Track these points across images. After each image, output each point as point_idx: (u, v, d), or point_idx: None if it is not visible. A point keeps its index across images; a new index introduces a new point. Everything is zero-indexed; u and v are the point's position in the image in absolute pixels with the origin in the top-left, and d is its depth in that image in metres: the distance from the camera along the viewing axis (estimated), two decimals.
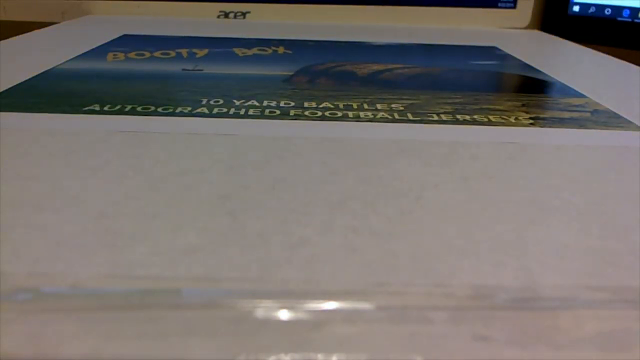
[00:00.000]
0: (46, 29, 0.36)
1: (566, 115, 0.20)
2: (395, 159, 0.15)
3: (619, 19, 0.42)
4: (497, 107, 0.21)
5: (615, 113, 0.20)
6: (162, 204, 0.12)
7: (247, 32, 0.38)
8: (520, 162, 0.15)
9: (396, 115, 0.19)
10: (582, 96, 0.23)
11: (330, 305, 0.09)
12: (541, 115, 0.20)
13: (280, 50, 0.32)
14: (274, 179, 0.14)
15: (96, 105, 0.20)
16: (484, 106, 0.21)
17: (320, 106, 0.20)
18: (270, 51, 0.31)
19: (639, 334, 0.09)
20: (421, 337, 0.09)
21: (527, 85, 0.25)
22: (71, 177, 0.14)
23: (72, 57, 0.28)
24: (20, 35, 0.33)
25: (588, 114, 0.20)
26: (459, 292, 0.10)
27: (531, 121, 0.19)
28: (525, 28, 0.45)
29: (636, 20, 0.41)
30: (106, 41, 0.33)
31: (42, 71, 0.24)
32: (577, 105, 0.21)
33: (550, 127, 0.19)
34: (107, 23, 0.40)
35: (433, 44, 0.35)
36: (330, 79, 0.25)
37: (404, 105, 0.21)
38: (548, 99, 0.23)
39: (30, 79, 0.23)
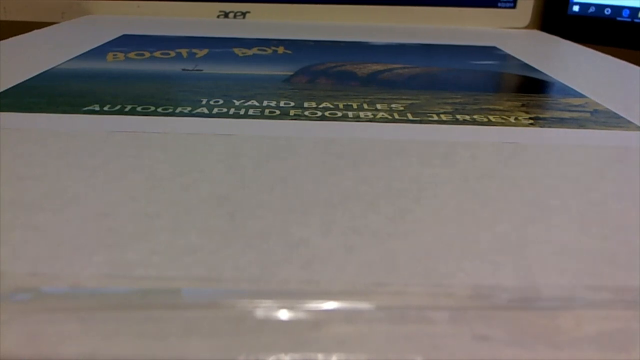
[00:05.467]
0: (46, 29, 0.36)
1: (566, 115, 0.20)
2: (395, 159, 0.15)
3: (619, 19, 0.42)
4: (497, 107, 0.21)
5: (615, 113, 0.20)
6: (162, 204, 0.12)
7: (247, 32, 0.38)
8: (520, 162, 0.15)
9: (396, 115, 0.19)
10: (582, 96, 0.23)
11: (330, 305, 0.09)
12: (541, 115, 0.20)
13: (280, 50, 0.32)
14: (274, 179, 0.14)
15: (96, 105, 0.20)
16: (484, 106, 0.21)
17: (320, 106, 0.20)
18: (270, 51, 0.31)
19: (639, 334, 0.09)
20: (421, 337, 0.09)
21: (527, 85, 0.25)
22: (71, 177, 0.14)
23: (72, 57, 0.28)
24: (20, 35, 0.33)
25: (588, 114, 0.20)
26: (459, 292, 0.10)
27: (531, 121, 0.19)
28: (525, 28, 0.45)
29: (636, 20, 0.41)
30: (106, 41, 0.33)
31: (42, 71, 0.24)
32: (577, 105, 0.21)
33: (550, 127, 0.19)
34: (107, 23, 0.40)
35: (433, 44, 0.35)
36: (330, 79, 0.25)
37: (403, 105, 0.21)
38: (548, 99, 0.23)
39: (30, 79, 0.23)
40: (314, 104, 0.20)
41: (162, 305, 0.09)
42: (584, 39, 0.40)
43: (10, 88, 0.21)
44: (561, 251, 0.11)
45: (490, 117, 0.20)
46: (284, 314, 0.09)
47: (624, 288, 0.10)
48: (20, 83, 0.22)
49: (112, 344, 0.08)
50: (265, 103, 0.20)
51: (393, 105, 0.21)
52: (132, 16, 0.44)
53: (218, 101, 0.20)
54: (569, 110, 0.21)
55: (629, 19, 0.41)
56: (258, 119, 0.19)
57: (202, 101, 0.20)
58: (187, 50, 0.31)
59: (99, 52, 0.30)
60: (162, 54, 0.30)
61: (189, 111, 0.19)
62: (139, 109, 0.19)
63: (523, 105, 0.21)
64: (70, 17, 0.44)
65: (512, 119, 0.19)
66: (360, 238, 0.11)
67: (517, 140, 0.17)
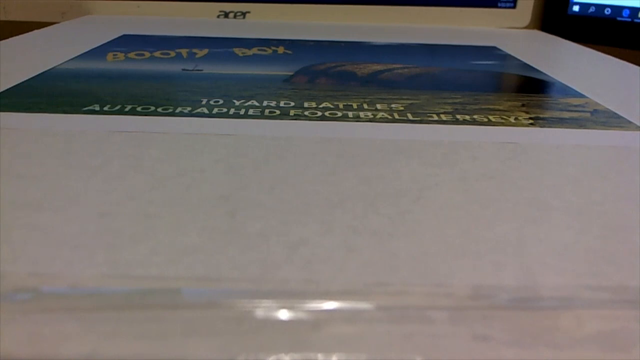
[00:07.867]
0: (46, 29, 0.36)
1: (566, 115, 0.20)
2: (395, 159, 0.15)
3: (619, 18, 0.42)
4: (497, 107, 0.21)
5: (615, 113, 0.20)
6: (162, 204, 0.12)
7: (247, 32, 0.38)
8: (520, 162, 0.15)
9: (396, 115, 0.19)
10: (582, 96, 0.23)
11: (330, 305, 0.09)
12: (541, 115, 0.20)
13: (280, 50, 0.32)
14: (274, 179, 0.14)
15: (96, 105, 0.20)
16: (484, 106, 0.21)
17: (320, 106, 0.20)
18: (270, 51, 0.31)
19: (639, 334, 0.09)
20: (421, 337, 0.09)
21: (527, 85, 0.25)
22: (71, 177, 0.14)
23: (72, 57, 0.28)
24: (20, 35, 0.33)
25: (588, 114, 0.20)
26: (459, 292, 0.10)
27: (531, 121, 0.19)
28: (525, 28, 0.45)
29: (636, 20, 0.41)
30: (106, 41, 0.33)
31: (42, 71, 0.24)
32: (577, 105, 0.21)
33: (550, 127, 0.19)
34: (107, 23, 0.40)
35: (433, 44, 0.35)
36: (330, 79, 0.25)
37: (403, 105, 0.21)
38: (548, 99, 0.23)
39: (30, 79, 0.23)
40: (314, 104, 0.20)
41: (162, 305, 0.09)
42: (584, 39, 0.40)
43: (10, 88, 0.21)
44: (561, 251, 0.11)
45: (490, 117, 0.20)
46: (284, 314, 0.09)
47: (624, 288, 0.10)
48: (20, 83, 0.22)
49: (112, 344, 0.08)
50: (265, 103, 0.20)
51: (393, 105, 0.21)
52: (132, 16, 0.44)
53: (218, 101, 0.20)
54: (569, 110, 0.21)
55: (629, 19, 0.41)
56: (258, 119, 0.19)
57: (202, 101, 0.20)
58: (187, 50, 0.31)
59: (99, 52, 0.30)
60: (162, 54, 0.30)
61: (189, 111, 0.19)
62: (139, 109, 0.19)
63: (523, 105, 0.21)
64: (70, 17, 0.44)
65: (512, 119, 0.19)
66: (360, 238, 0.11)
67: (517, 140, 0.17)
